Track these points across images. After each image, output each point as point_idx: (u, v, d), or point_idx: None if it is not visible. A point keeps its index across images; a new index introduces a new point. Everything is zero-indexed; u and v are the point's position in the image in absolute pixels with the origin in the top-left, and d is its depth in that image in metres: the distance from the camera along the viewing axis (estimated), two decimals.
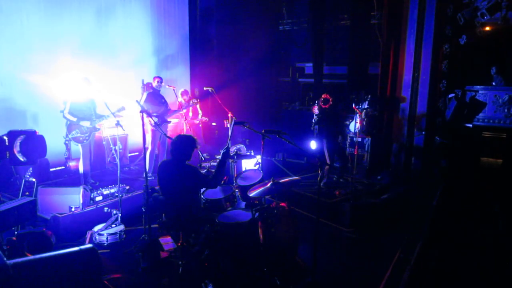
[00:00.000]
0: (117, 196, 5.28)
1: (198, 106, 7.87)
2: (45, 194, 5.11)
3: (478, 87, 7.69)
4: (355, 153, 6.95)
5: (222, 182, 4.71)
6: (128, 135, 7.53)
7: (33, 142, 5.51)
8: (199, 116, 7.95)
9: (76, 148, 6.55)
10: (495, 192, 6.37)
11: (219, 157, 4.99)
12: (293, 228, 4.07)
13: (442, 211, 5.96)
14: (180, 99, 7.59)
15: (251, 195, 3.72)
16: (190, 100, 7.69)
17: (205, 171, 4.71)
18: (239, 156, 4.67)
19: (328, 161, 6.69)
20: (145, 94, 6.60)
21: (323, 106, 6.66)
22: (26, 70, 6.38)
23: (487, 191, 6.57)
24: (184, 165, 3.91)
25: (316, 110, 7.79)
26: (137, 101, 5.20)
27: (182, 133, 7.23)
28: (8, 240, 4.07)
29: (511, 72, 7.78)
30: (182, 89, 7.89)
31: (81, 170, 5.99)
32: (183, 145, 3.90)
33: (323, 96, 6.67)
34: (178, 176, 3.87)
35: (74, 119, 5.65)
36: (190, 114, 7.79)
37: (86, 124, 5.73)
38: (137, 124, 5.38)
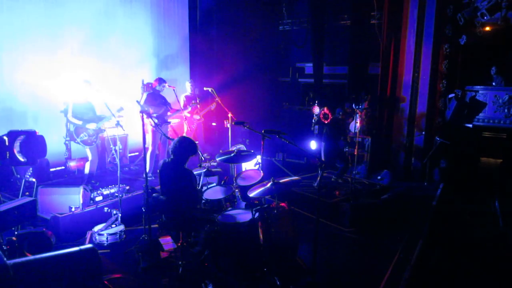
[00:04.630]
0: (117, 196, 5.28)
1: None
2: (45, 194, 5.11)
3: (478, 87, 7.70)
4: (355, 153, 6.94)
5: (222, 182, 4.73)
6: (128, 135, 7.52)
7: (33, 142, 5.51)
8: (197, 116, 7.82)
9: (76, 148, 6.55)
10: (495, 192, 6.37)
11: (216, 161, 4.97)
12: (293, 228, 4.07)
13: (442, 211, 5.97)
14: (189, 91, 7.52)
15: (251, 195, 3.72)
16: (192, 99, 7.59)
17: (204, 170, 4.71)
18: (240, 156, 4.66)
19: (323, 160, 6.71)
20: (145, 95, 6.59)
21: (325, 122, 6.71)
22: (26, 70, 6.37)
23: (487, 191, 6.57)
24: (182, 168, 3.96)
25: (316, 110, 7.80)
26: (137, 101, 5.20)
27: (185, 135, 7.23)
28: (8, 240, 4.06)
29: (511, 72, 7.78)
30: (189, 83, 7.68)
31: (86, 171, 5.97)
32: (184, 148, 3.99)
33: (323, 111, 6.68)
34: (176, 177, 3.91)
35: (80, 122, 5.64)
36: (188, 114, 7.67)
37: (92, 126, 5.73)
38: (137, 124, 5.39)
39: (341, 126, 6.96)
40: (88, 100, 5.82)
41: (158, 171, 4.33)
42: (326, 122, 6.74)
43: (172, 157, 4.02)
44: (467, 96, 7.73)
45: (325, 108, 6.79)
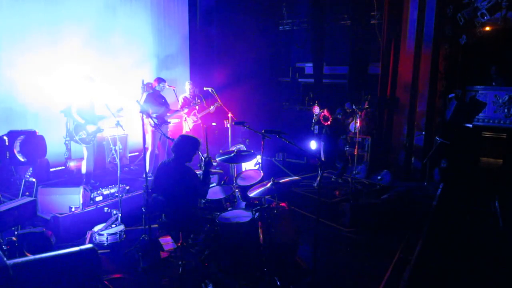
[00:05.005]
0: (117, 196, 5.28)
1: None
2: (45, 194, 5.10)
3: (478, 87, 7.70)
4: (355, 153, 6.94)
5: (222, 182, 4.74)
6: (128, 135, 7.52)
7: (33, 142, 5.52)
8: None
9: (76, 148, 6.55)
10: (495, 192, 6.37)
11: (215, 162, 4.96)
12: (293, 228, 4.07)
13: (442, 211, 5.96)
14: (187, 92, 7.46)
15: (251, 195, 3.72)
16: (191, 100, 7.57)
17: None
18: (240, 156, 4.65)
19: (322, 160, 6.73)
20: (144, 95, 6.59)
21: (324, 123, 6.69)
22: (26, 70, 6.37)
23: (487, 191, 6.58)
24: (184, 166, 3.95)
25: (316, 110, 7.79)
26: (137, 101, 5.20)
27: (186, 134, 7.23)
28: (8, 240, 4.07)
29: (511, 72, 7.78)
30: (189, 84, 7.53)
31: (83, 170, 5.97)
32: (187, 145, 3.98)
33: (323, 113, 6.67)
34: (178, 176, 3.91)
35: (82, 121, 5.63)
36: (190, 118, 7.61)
37: (91, 129, 5.73)
38: (137, 124, 5.39)
39: (341, 126, 6.96)
40: (90, 100, 5.82)
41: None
42: (326, 124, 6.74)
43: (172, 156, 4.01)
44: (467, 96, 7.73)
45: (325, 110, 6.78)
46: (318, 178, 6.67)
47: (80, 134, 5.66)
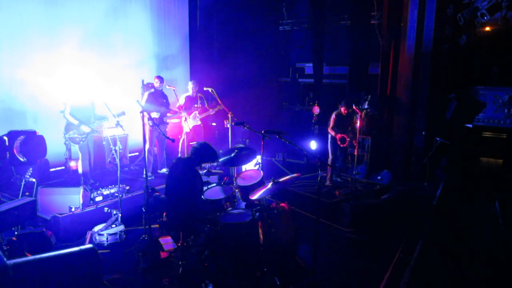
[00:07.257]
0: (117, 196, 5.28)
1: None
2: (45, 194, 5.11)
3: (478, 87, 7.69)
4: (355, 153, 6.93)
5: (222, 182, 4.74)
6: (128, 135, 7.52)
7: (33, 142, 5.53)
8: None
9: (77, 148, 6.55)
10: (495, 192, 6.37)
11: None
12: (293, 228, 4.07)
13: (442, 211, 5.96)
14: (190, 91, 7.42)
15: (253, 197, 3.72)
16: (193, 100, 7.50)
17: (205, 171, 4.72)
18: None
19: (329, 161, 6.72)
20: (146, 94, 6.59)
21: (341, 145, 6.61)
22: (26, 70, 6.37)
23: (487, 191, 6.57)
24: (192, 169, 3.97)
25: (316, 110, 7.78)
26: (137, 101, 5.20)
27: (184, 136, 7.17)
28: (8, 240, 4.07)
29: (511, 72, 7.78)
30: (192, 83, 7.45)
31: (80, 170, 5.99)
32: (205, 153, 3.99)
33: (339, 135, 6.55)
34: (183, 176, 3.92)
35: (76, 122, 5.64)
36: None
37: (85, 129, 5.73)
38: (137, 124, 5.40)
39: (345, 121, 6.83)
40: (89, 100, 5.81)
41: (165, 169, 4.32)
42: (343, 146, 6.59)
43: (189, 155, 4.05)
44: (467, 96, 7.72)
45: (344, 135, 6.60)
46: (329, 176, 6.72)
47: (70, 134, 5.67)
